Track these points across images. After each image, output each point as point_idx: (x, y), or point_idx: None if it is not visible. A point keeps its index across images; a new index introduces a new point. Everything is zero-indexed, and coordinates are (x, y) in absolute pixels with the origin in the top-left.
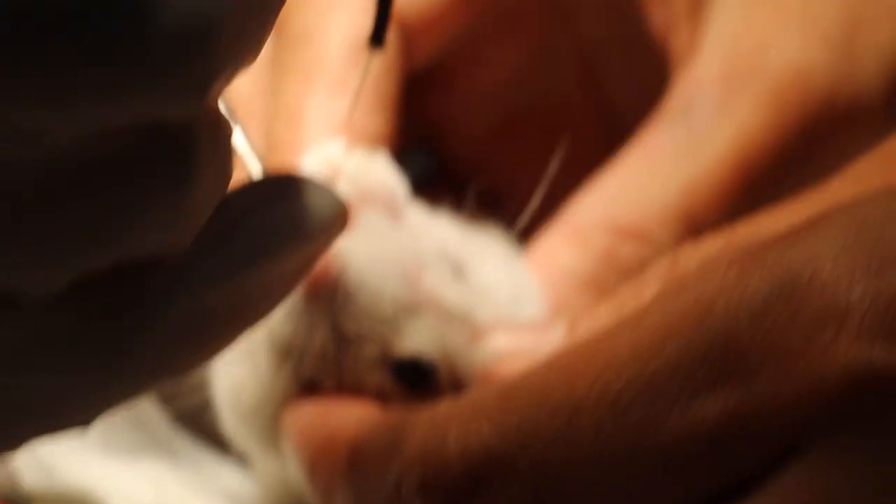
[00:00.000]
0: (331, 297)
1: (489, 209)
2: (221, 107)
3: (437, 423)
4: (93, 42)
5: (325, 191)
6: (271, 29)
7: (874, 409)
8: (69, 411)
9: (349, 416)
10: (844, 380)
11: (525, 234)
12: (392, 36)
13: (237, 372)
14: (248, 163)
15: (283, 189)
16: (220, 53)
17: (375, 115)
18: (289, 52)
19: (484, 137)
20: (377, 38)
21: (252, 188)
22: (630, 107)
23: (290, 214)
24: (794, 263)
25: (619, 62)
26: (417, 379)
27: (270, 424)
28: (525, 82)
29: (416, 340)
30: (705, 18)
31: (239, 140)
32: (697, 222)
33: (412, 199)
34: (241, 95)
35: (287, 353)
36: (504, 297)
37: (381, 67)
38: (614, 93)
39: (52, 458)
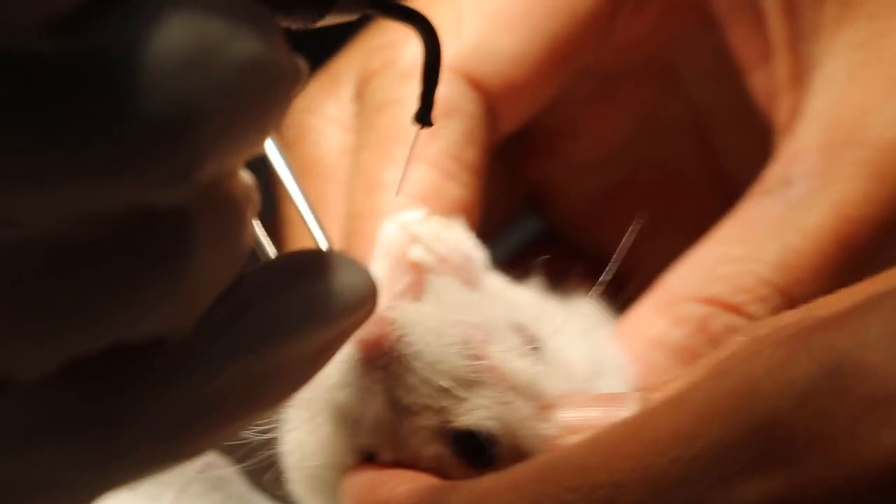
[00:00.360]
0: (386, 365)
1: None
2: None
3: (475, 497)
4: (68, 129)
5: (356, 269)
6: (277, 118)
7: None
8: (64, 493)
9: (401, 486)
10: (890, 468)
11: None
12: (473, 104)
13: (301, 435)
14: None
15: (305, 267)
16: (206, 141)
17: (454, 184)
18: (367, 121)
19: (591, 203)
20: (424, 117)
21: (271, 266)
22: (743, 173)
23: (308, 294)
24: (841, 347)
25: (731, 128)
26: (476, 452)
27: (331, 490)
28: (633, 148)
29: (476, 413)
30: (808, 87)
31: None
32: (794, 296)
33: (491, 268)
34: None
35: (345, 420)
36: (583, 371)
37: (461, 135)
38: (727, 160)
39: None
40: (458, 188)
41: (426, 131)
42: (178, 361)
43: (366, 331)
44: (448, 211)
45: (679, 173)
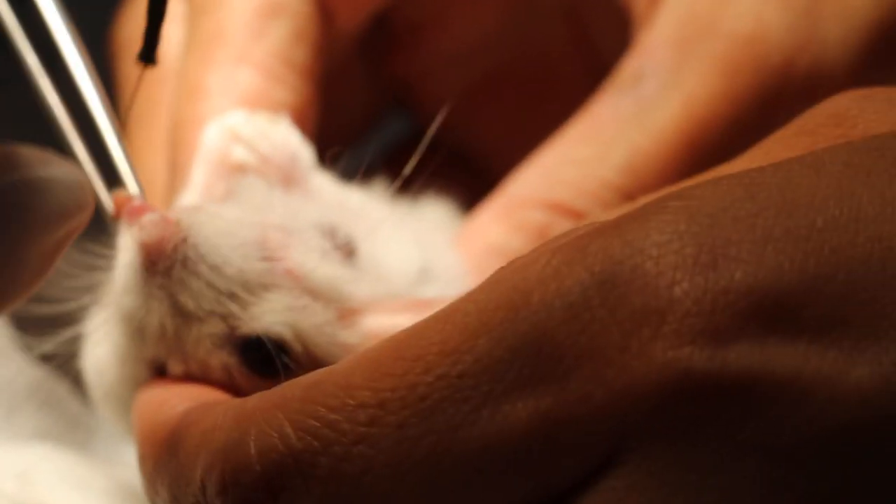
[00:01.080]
0: (169, 269)
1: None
2: None
3: (242, 417)
4: None
5: (66, 178)
6: None
7: (693, 418)
8: None
9: (179, 406)
10: (660, 385)
11: None
12: (300, 1)
13: (99, 351)
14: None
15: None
16: None
17: (282, 87)
18: (192, 22)
19: (460, 97)
20: (147, 54)
21: None
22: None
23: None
24: (617, 254)
25: (607, 17)
26: (264, 361)
27: (128, 408)
28: (505, 38)
29: (264, 318)
30: None
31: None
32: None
33: (318, 167)
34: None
35: (133, 329)
36: (403, 275)
37: (288, 35)
38: (603, 50)
39: None
40: (286, 91)
41: (249, 31)
42: None
43: (147, 233)
44: (274, 114)
45: (553, 65)
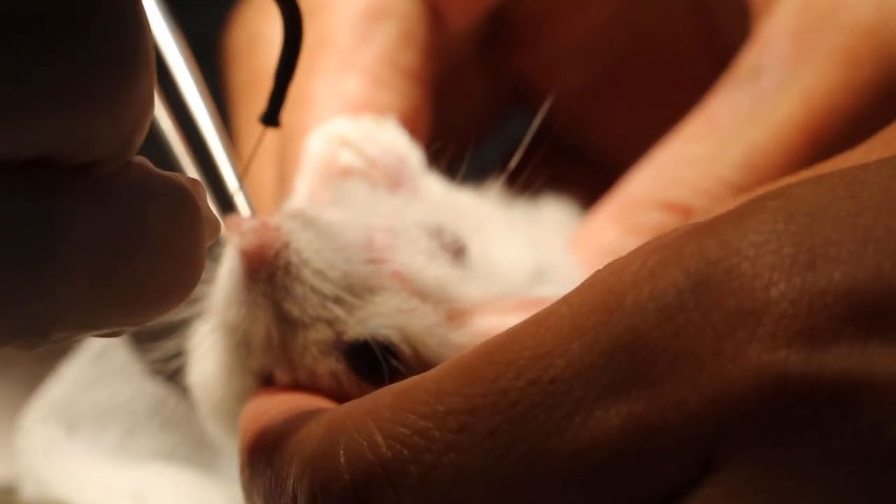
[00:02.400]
0: (271, 276)
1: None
2: None
3: (333, 424)
4: None
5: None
6: None
7: (789, 424)
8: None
9: (284, 411)
10: (755, 389)
11: None
12: (407, 2)
13: (205, 365)
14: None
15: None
16: None
17: (389, 92)
18: None
19: (584, 94)
20: (271, 116)
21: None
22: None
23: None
24: (712, 255)
25: (731, 7)
26: (372, 366)
27: (236, 421)
28: (624, 29)
29: (372, 321)
30: None
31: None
32: None
33: (428, 169)
34: None
35: (237, 341)
36: (515, 275)
37: (395, 38)
38: (730, 36)
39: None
40: (394, 95)
41: (354, 36)
42: (99, 188)
43: (247, 240)
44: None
45: (677, 54)
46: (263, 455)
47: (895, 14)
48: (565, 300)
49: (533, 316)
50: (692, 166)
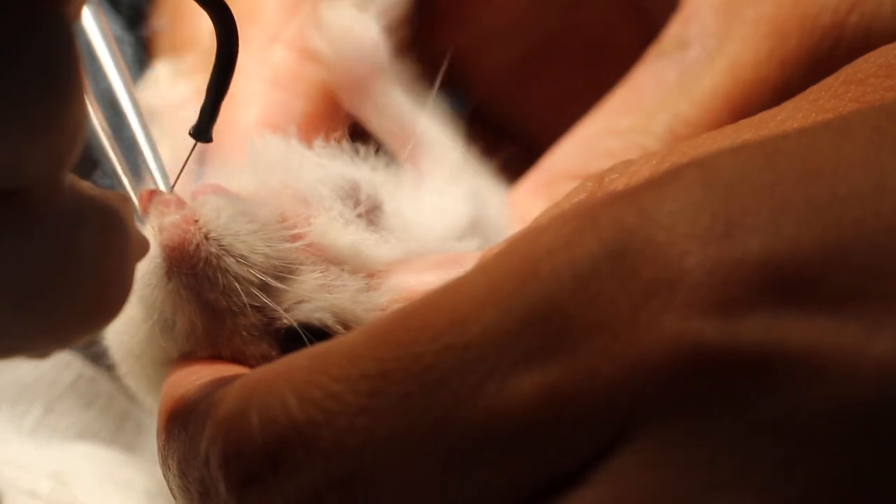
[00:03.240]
0: (194, 268)
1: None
2: None
3: (247, 387)
4: None
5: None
6: None
7: (704, 393)
8: None
9: (197, 379)
10: (670, 358)
11: None
12: None
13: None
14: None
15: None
16: None
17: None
18: None
19: (511, 73)
20: (202, 132)
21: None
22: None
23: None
24: (629, 223)
25: None
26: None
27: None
28: (553, 8)
29: (303, 307)
30: None
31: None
32: None
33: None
34: None
35: (160, 322)
36: (434, 231)
37: None
38: (659, 16)
39: None
40: (321, 70)
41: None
42: (26, 215)
43: (167, 235)
44: (310, 97)
45: (605, 32)
46: (179, 420)
47: None
48: (481, 267)
49: (449, 282)
50: (617, 138)
